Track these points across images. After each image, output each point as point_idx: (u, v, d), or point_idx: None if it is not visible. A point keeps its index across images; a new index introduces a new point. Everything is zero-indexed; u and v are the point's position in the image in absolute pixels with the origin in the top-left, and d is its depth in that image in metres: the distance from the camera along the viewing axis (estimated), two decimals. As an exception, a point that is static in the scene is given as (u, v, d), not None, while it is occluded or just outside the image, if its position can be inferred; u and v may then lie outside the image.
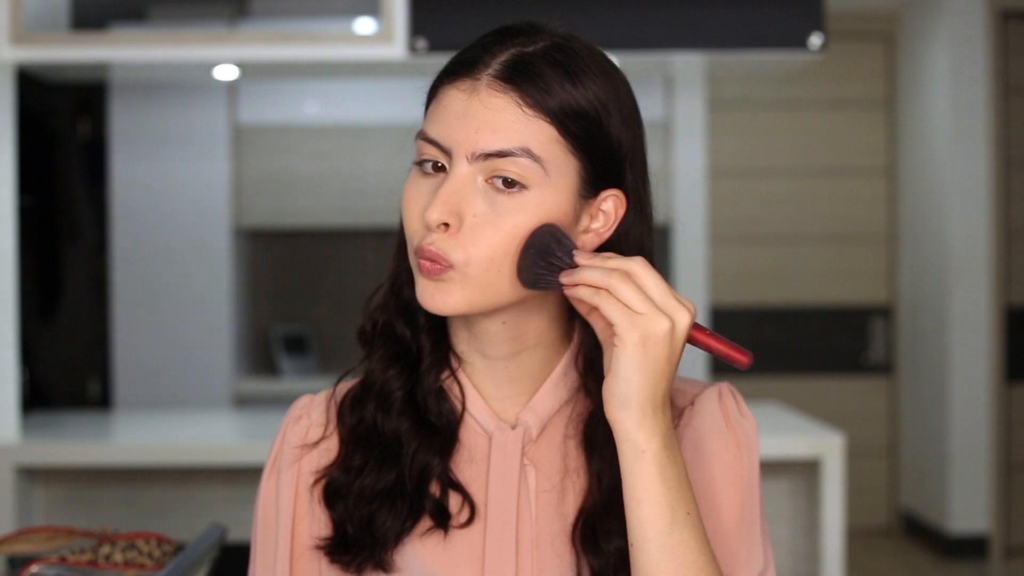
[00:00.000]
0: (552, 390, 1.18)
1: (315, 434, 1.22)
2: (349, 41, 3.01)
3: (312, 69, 3.37)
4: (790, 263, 5.88)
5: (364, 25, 3.67)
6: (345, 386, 1.24)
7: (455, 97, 1.10)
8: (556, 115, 1.10)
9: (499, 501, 1.16)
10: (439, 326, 1.20)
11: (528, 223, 1.09)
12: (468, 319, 1.16)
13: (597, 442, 1.16)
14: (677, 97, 4.87)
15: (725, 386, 1.23)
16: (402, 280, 1.20)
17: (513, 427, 1.18)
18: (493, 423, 1.18)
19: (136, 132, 4.73)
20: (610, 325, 1.06)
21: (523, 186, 1.09)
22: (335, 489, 1.18)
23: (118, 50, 2.99)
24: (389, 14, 2.92)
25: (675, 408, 1.19)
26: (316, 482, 1.20)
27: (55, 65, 3.05)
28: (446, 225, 1.08)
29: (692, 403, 1.20)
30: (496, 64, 1.10)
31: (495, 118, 1.08)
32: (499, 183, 1.09)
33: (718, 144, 5.69)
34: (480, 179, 1.09)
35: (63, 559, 1.67)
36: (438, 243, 1.09)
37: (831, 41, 3.24)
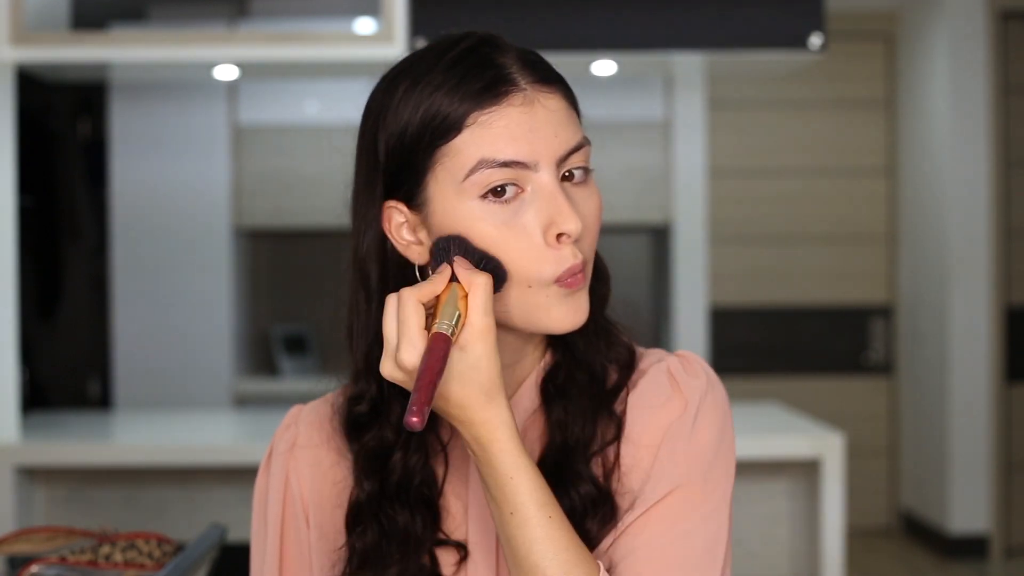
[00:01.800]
0: (530, 391, 1.19)
1: (307, 451, 1.23)
2: (349, 41, 3.01)
3: (312, 69, 3.37)
4: (790, 263, 5.88)
5: (364, 25, 3.67)
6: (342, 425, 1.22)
7: (513, 113, 1.09)
8: (574, 98, 1.14)
9: (480, 500, 1.17)
10: None
11: (601, 205, 1.14)
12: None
13: (554, 396, 1.17)
14: (677, 97, 4.88)
15: (676, 357, 1.20)
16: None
17: None
18: None
19: (136, 132, 4.73)
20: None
21: (589, 171, 1.13)
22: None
23: (118, 50, 2.99)
24: (389, 14, 2.92)
25: (629, 389, 1.19)
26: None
27: (55, 65, 3.05)
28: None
29: (644, 376, 1.19)
30: (524, 70, 1.11)
31: (561, 117, 1.11)
32: (579, 175, 1.11)
33: (718, 144, 5.69)
34: (559, 180, 1.10)
35: (63, 559, 1.67)
36: (577, 252, 1.10)
37: (831, 41, 3.25)
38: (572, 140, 1.10)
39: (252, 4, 4.55)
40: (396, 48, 2.93)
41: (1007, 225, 5.44)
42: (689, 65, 3.30)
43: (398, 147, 1.11)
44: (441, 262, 1.09)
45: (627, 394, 1.18)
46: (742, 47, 2.96)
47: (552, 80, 1.12)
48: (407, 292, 1.05)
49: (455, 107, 1.09)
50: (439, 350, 1.02)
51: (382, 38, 2.93)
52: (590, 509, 1.13)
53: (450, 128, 1.09)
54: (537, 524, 1.05)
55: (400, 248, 1.14)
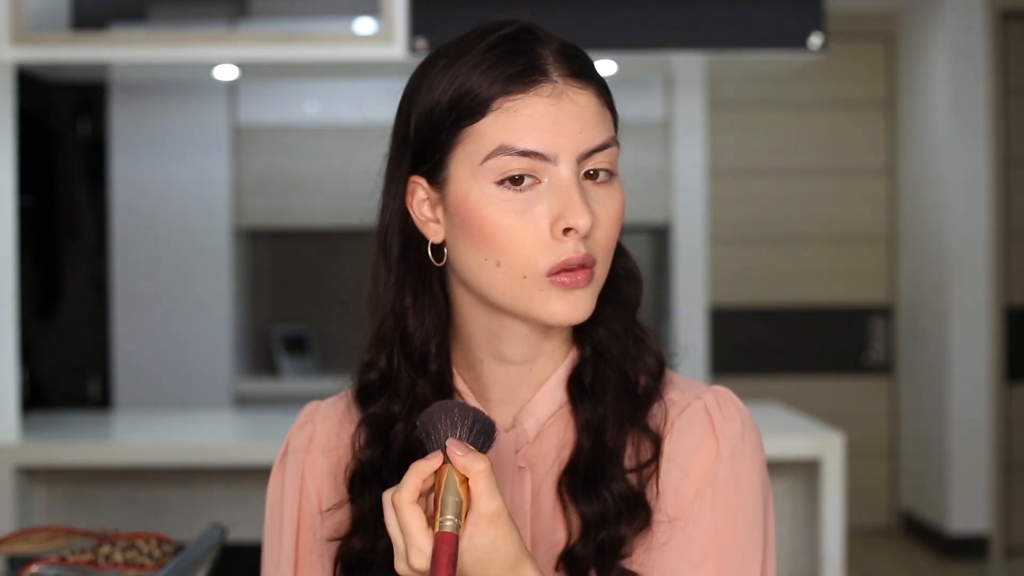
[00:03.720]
0: (550, 393, 1.17)
1: (324, 450, 1.22)
2: (349, 41, 3.01)
3: (312, 69, 3.37)
4: (790, 263, 5.87)
5: (364, 25, 3.67)
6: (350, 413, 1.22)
7: (539, 104, 1.08)
8: (610, 98, 1.13)
9: None
10: (441, 350, 1.18)
11: (622, 208, 1.12)
12: (501, 323, 1.15)
13: (586, 396, 1.16)
14: (677, 97, 4.88)
15: (712, 394, 1.18)
16: (407, 317, 1.17)
17: (507, 430, 1.17)
18: None
19: (136, 132, 4.73)
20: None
21: (614, 173, 1.12)
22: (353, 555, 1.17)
23: (118, 50, 2.99)
24: (389, 14, 2.92)
25: (666, 419, 1.17)
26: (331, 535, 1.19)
27: (55, 65, 3.05)
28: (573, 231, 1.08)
29: (681, 415, 1.17)
30: (559, 63, 1.10)
31: (590, 114, 1.10)
32: (602, 176, 1.11)
33: (718, 144, 5.69)
34: (579, 177, 1.10)
35: (63, 559, 1.67)
36: (581, 247, 1.09)
37: (831, 41, 3.24)
38: (598, 138, 1.10)
39: (252, 4, 4.55)
40: (396, 48, 2.93)
41: (1007, 225, 5.44)
42: (689, 65, 3.30)
43: (426, 123, 1.12)
44: (427, 439, 1.06)
45: (663, 423, 1.16)
46: (742, 47, 2.96)
47: (586, 76, 1.11)
48: (399, 499, 1.02)
49: (484, 89, 1.09)
50: (447, 551, 1.00)
51: (382, 38, 2.93)
52: (625, 512, 1.11)
53: (476, 109, 1.09)
54: None
55: (419, 224, 1.15)
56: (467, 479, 1.02)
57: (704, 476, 1.13)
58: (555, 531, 1.14)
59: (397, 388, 1.17)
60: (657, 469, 1.14)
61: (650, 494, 1.13)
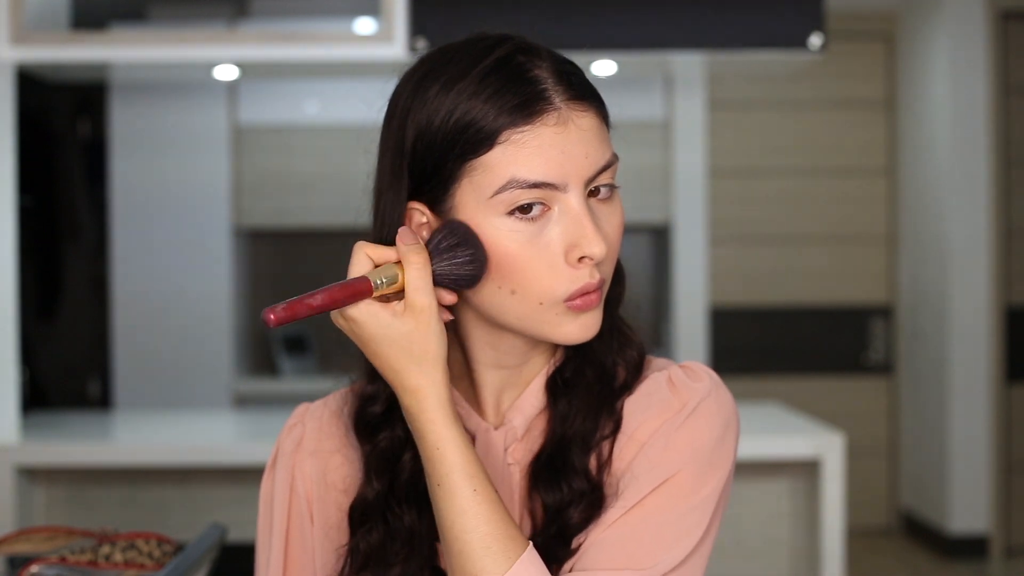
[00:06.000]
0: (536, 392, 1.19)
1: (313, 451, 1.23)
2: (349, 41, 3.01)
3: (312, 69, 3.36)
4: (790, 263, 5.87)
5: (364, 25, 3.67)
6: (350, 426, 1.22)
7: (547, 134, 1.08)
8: (606, 110, 1.14)
9: None
10: None
11: (623, 220, 1.14)
12: (501, 336, 1.16)
13: (561, 391, 1.17)
14: (677, 97, 4.88)
15: (679, 367, 1.20)
16: None
17: (497, 428, 1.19)
18: (479, 425, 1.19)
19: (136, 132, 4.73)
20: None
21: (615, 186, 1.13)
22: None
23: (118, 50, 2.99)
24: (389, 14, 2.92)
25: (631, 392, 1.19)
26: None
27: (55, 65, 3.05)
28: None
29: (643, 382, 1.19)
30: (558, 86, 1.10)
31: (592, 136, 1.10)
32: (605, 192, 1.11)
33: (718, 144, 5.69)
34: (586, 200, 1.10)
35: (63, 559, 1.67)
36: (596, 273, 1.10)
37: (831, 41, 3.25)
38: (601, 160, 1.10)
39: (252, 4, 4.55)
40: (396, 48, 2.93)
41: (1007, 225, 5.44)
42: (689, 65, 3.30)
43: (427, 151, 1.10)
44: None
45: (628, 396, 1.18)
46: (742, 47, 2.96)
47: (586, 96, 1.11)
48: (360, 243, 1.09)
49: (488, 121, 1.07)
50: (350, 288, 1.05)
51: (382, 38, 2.93)
52: (576, 500, 1.13)
53: (482, 142, 1.08)
54: (462, 497, 1.06)
55: None
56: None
57: (660, 426, 1.14)
58: (522, 522, 1.17)
59: (402, 416, 1.17)
60: (613, 444, 1.15)
61: (606, 472, 1.15)
